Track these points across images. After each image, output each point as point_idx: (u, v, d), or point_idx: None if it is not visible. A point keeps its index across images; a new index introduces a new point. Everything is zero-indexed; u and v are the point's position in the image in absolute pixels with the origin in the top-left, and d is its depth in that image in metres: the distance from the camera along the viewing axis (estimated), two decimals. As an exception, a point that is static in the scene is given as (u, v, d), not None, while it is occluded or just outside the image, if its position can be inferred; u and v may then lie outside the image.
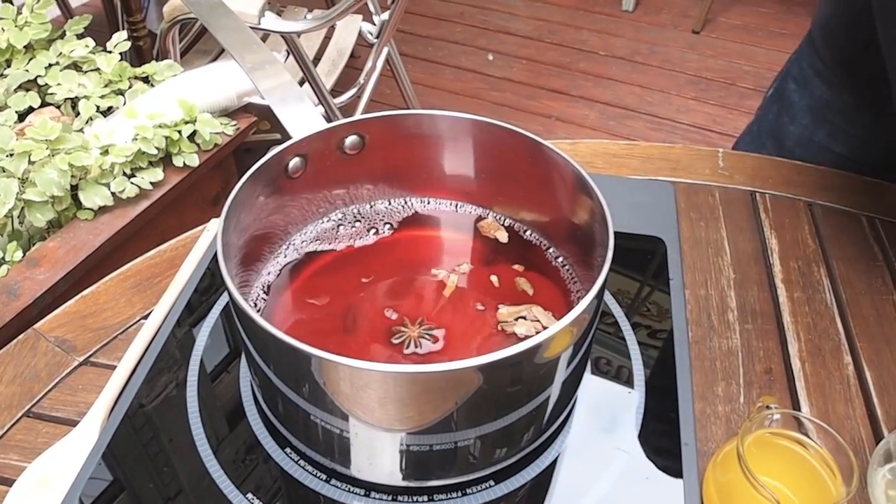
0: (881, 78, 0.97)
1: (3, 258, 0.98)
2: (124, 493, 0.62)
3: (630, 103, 2.74)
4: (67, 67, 1.20)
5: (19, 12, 1.23)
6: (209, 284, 0.78)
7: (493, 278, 0.68)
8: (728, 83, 2.82)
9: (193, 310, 0.76)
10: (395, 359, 0.63)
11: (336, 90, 1.97)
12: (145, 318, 0.78)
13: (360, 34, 2.08)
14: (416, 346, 0.64)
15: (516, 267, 0.71)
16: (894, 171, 1.01)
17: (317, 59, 2.05)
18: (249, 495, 0.60)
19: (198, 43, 2.08)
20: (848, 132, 1.06)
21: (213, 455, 0.63)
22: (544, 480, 0.62)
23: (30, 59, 1.20)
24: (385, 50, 2.00)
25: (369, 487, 0.60)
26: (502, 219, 0.75)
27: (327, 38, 2.14)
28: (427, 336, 0.65)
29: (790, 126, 1.11)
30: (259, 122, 1.25)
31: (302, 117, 0.70)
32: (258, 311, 0.66)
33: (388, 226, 0.75)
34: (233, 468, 0.62)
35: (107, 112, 1.17)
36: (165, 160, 1.11)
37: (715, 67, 2.90)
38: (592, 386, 0.69)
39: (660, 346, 0.72)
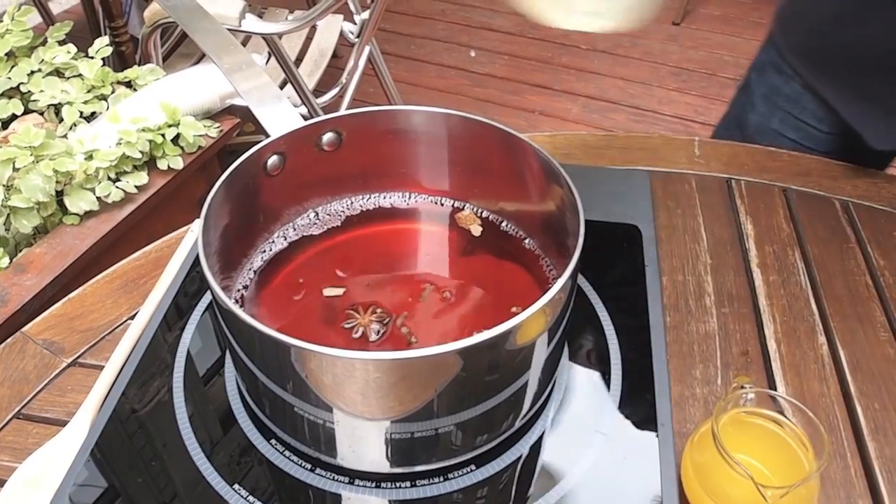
0: (822, 67, 1.00)
1: (-10, 265, 0.98)
2: (111, 493, 0.63)
3: (613, 96, 2.75)
4: (50, 74, 1.21)
5: (0, 20, 1.24)
6: (198, 288, 0.79)
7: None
8: (709, 74, 2.84)
9: (178, 310, 0.77)
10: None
11: (319, 90, 1.97)
12: (132, 318, 0.79)
13: (342, 34, 2.08)
14: (371, 334, 0.66)
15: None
16: (844, 159, 1.04)
17: (299, 60, 2.06)
18: (236, 486, 0.61)
19: (180, 47, 2.08)
20: (798, 119, 1.08)
21: (199, 448, 0.64)
22: (524, 464, 0.63)
23: (12, 67, 1.21)
24: (367, 49, 2.01)
25: (353, 475, 0.62)
26: (479, 211, 0.76)
27: (309, 39, 2.14)
28: (377, 322, 0.66)
29: (750, 114, 1.14)
30: (242, 123, 1.26)
31: (279, 116, 0.71)
32: (241, 307, 0.67)
33: (366, 221, 0.76)
34: (219, 461, 0.63)
35: (90, 117, 1.18)
36: (150, 164, 1.12)
37: (696, 58, 2.92)
38: (570, 371, 0.70)
39: (636, 331, 0.73)
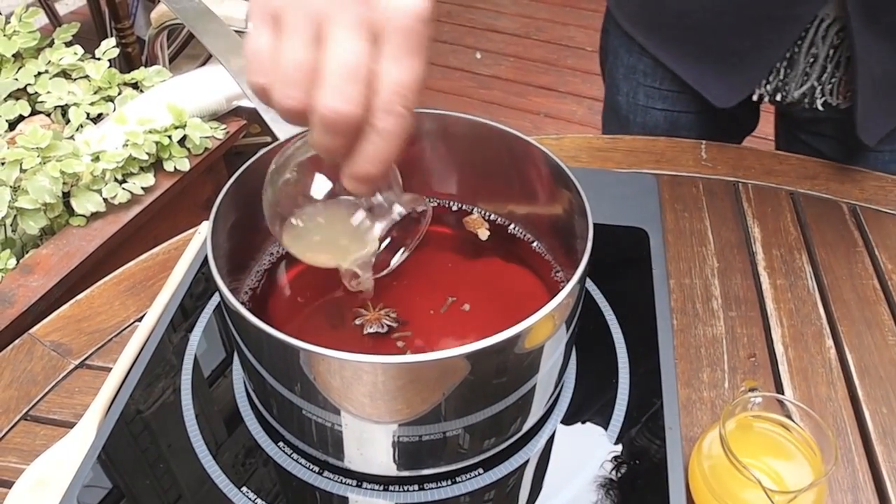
0: (659, 34, 1.03)
1: (-4, 266, 0.99)
2: (117, 494, 0.63)
3: (618, 98, 2.75)
4: (57, 75, 1.21)
5: (7, 21, 1.24)
6: (205, 290, 0.79)
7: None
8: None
9: (185, 312, 0.77)
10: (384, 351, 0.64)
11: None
12: (139, 320, 0.80)
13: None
14: (378, 327, 0.66)
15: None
16: (717, 119, 1.07)
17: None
18: (244, 489, 0.61)
19: (186, 48, 2.08)
20: (660, 89, 1.10)
21: (206, 450, 0.64)
22: (532, 467, 0.63)
23: (19, 68, 1.21)
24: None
25: (361, 478, 0.62)
26: (488, 214, 0.76)
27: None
28: (376, 324, 0.66)
29: (618, 96, 1.16)
30: (249, 125, 1.26)
31: (288, 119, 0.71)
32: (249, 310, 0.67)
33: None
34: (226, 463, 0.63)
35: (97, 119, 1.18)
36: (156, 165, 1.13)
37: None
38: (577, 374, 0.70)
39: (643, 334, 0.73)
